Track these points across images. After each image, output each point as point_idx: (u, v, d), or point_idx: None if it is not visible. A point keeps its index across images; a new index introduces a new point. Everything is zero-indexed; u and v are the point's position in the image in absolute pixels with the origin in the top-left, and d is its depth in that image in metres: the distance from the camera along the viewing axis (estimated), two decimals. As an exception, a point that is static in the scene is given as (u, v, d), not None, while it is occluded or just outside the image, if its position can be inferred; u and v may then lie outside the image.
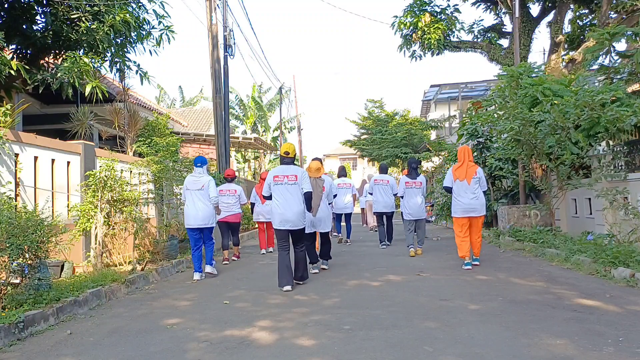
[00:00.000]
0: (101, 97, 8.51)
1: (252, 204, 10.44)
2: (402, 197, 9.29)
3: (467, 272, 6.98)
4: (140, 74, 9.68)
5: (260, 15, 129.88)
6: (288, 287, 6.09)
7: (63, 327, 4.78)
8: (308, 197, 6.43)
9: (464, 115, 18.59)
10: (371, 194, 10.75)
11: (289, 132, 36.69)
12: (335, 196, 8.31)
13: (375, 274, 7.13)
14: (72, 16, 8.41)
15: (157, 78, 69.10)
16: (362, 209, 18.43)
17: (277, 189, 6.37)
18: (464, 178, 7.38)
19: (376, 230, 12.83)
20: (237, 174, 21.29)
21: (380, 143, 31.93)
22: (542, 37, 30.58)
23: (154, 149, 10.32)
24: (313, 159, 7.99)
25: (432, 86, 26.04)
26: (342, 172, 11.92)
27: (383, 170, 10.91)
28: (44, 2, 8.59)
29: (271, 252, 10.30)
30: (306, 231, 7.07)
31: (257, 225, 11.22)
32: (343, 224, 11.84)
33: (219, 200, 7.78)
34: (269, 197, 6.50)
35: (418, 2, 17.52)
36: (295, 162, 6.65)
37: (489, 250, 7.66)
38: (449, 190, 7.68)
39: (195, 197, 7.40)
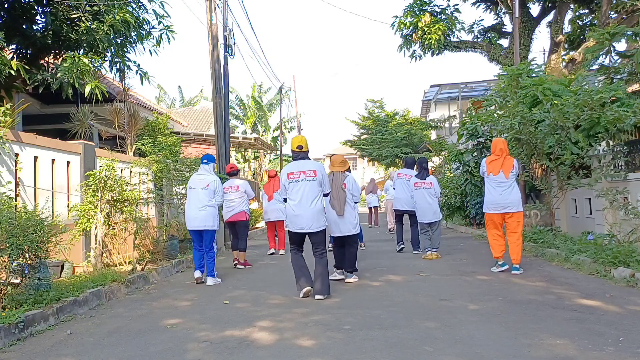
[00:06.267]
0: (101, 97, 8.49)
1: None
2: (411, 197, 8.90)
3: (467, 272, 6.97)
4: (140, 74, 9.67)
5: (260, 15, 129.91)
6: (308, 288, 5.56)
7: (63, 327, 4.77)
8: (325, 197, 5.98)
9: (464, 115, 18.62)
10: (394, 188, 9.96)
11: (289, 132, 36.66)
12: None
13: (375, 274, 7.13)
14: (72, 16, 8.41)
15: (157, 78, 69.16)
16: (370, 209, 18.29)
17: (292, 187, 5.66)
18: (499, 171, 6.79)
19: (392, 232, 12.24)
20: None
21: (380, 143, 31.95)
22: (542, 37, 30.62)
23: (158, 147, 10.31)
24: (334, 154, 7.29)
25: (432, 86, 26.05)
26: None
27: (409, 164, 9.95)
28: (44, 2, 8.59)
29: (282, 254, 9.97)
30: (336, 235, 6.63)
31: (265, 225, 10.93)
32: None
33: (221, 201, 7.37)
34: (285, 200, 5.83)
35: (418, 2, 17.53)
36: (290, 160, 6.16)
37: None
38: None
39: (197, 196, 6.94)
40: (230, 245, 8.90)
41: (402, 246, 9.65)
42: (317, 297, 5.57)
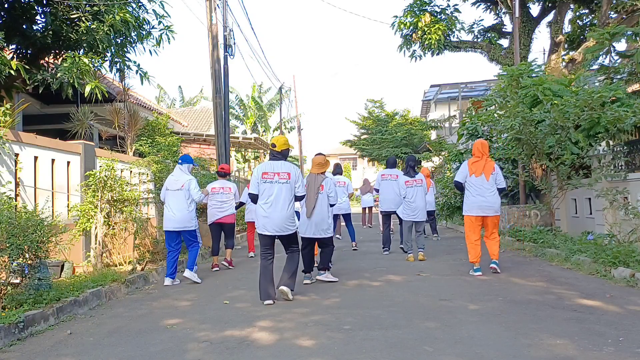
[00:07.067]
0: (101, 97, 8.49)
1: (242, 203, 9.39)
2: (404, 197, 8.65)
3: (467, 272, 6.96)
4: (140, 74, 9.66)
5: (260, 15, 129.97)
6: (269, 302, 5.36)
7: (63, 327, 4.78)
8: (300, 200, 5.81)
9: (464, 115, 18.62)
10: (377, 190, 9.67)
11: (289, 132, 36.72)
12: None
13: (375, 274, 7.13)
14: (72, 16, 8.41)
15: (157, 78, 69.24)
16: (364, 209, 18.29)
17: (265, 187, 5.48)
18: (481, 173, 6.77)
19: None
20: (237, 173, 21.31)
21: (380, 143, 32.00)
22: (542, 37, 30.63)
23: (156, 148, 10.31)
24: (317, 154, 6.98)
25: (432, 86, 26.05)
26: (338, 170, 11.08)
27: (391, 164, 9.87)
28: (44, 2, 8.59)
29: (252, 257, 9.75)
30: (306, 235, 6.58)
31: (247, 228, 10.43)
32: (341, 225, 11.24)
33: (202, 198, 7.24)
34: (256, 197, 5.58)
35: (418, 2, 17.53)
36: (290, 160, 5.87)
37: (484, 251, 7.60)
38: (459, 186, 7.12)
39: (174, 197, 6.98)
40: (212, 249, 8.56)
41: (387, 252, 9.40)
42: (281, 287, 5.47)
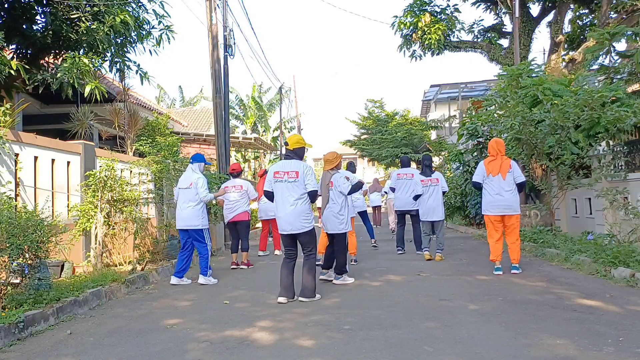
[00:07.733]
0: (101, 97, 8.49)
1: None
2: (419, 195, 8.58)
3: (467, 272, 6.97)
4: (140, 74, 9.66)
5: (260, 15, 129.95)
6: (282, 300, 5.44)
7: (63, 327, 4.77)
8: (313, 197, 5.68)
9: (464, 115, 18.62)
10: (393, 189, 9.69)
11: (288, 132, 36.68)
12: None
13: (375, 274, 7.13)
14: (72, 16, 8.41)
15: (157, 78, 69.26)
16: (374, 208, 18.28)
17: (277, 187, 5.57)
18: (498, 172, 6.71)
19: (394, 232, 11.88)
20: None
21: (380, 143, 32.03)
22: (542, 37, 30.65)
23: (156, 148, 10.31)
24: (329, 152, 6.85)
25: (432, 86, 26.07)
26: (351, 168, 10.46)
27: (405, 163, 9.88)
28: (44, 2, 8.59)
29: (278, 254, 9.80)
30: (327, 232, 6.54)
31: (261, 226, 10.64)
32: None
33: (209, 198, 7.09)
34: (270, 195, 5.66)
35: (418, 2, 17.56)
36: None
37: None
38: (477, 186, 7.04)
39: (183, 195, 7.01)
40: (230, 247, 8.68)
41: (402, 252, 9.39)
42: (300, 299, 5.52)
